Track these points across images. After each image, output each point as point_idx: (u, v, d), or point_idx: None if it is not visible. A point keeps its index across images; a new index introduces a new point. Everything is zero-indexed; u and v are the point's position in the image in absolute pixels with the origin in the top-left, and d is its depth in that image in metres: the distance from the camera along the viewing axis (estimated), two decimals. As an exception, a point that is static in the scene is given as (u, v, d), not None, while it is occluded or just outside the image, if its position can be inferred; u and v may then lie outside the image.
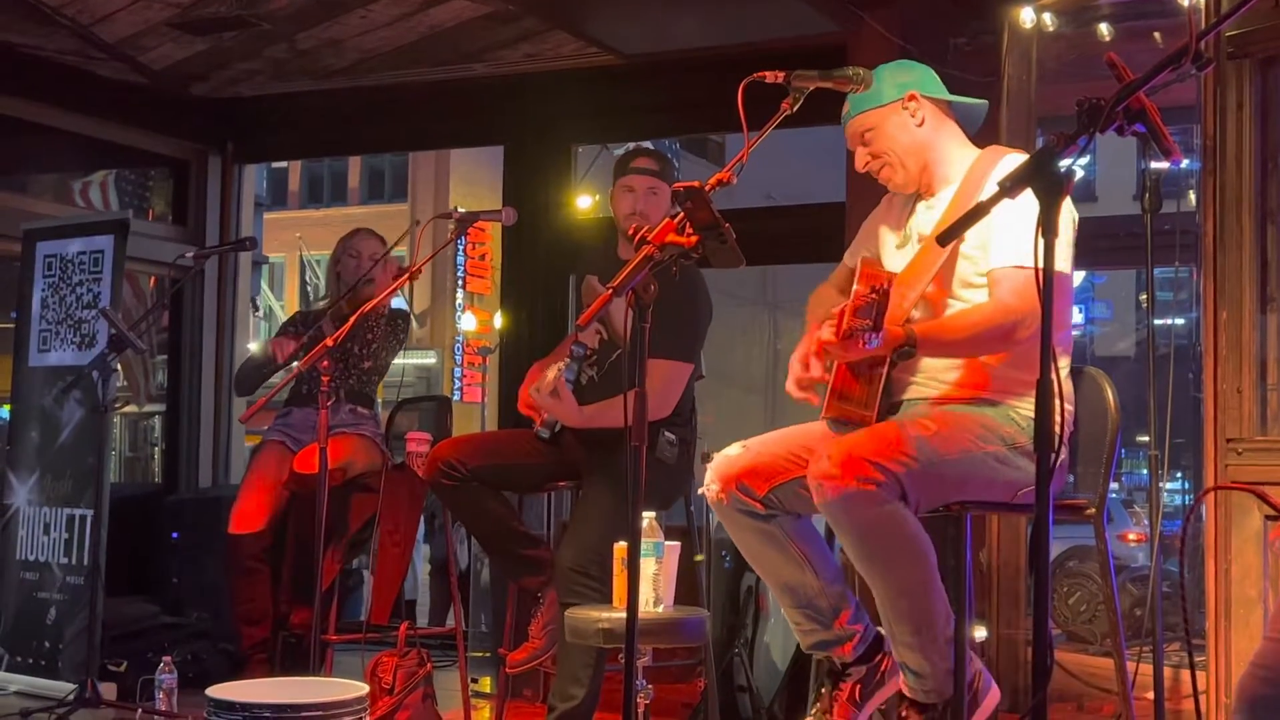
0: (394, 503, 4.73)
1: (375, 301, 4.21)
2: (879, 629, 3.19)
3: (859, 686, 3.15)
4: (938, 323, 3.04)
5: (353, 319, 4.05)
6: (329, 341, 3.91)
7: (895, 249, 3.22)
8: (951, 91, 3.23)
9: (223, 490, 6.46)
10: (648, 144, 6.39)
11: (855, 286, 3.12)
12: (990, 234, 2.98)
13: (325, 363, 3.88)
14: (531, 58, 5.94)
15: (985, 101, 3.31)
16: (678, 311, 3.69)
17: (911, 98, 3.15)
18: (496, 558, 4.37)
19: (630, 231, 3.86)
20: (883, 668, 3.16)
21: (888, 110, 3.14)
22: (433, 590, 9.19)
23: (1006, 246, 2.96)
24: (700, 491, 3.29)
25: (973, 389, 3.04)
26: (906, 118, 3.15)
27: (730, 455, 3.16)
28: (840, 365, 3.04)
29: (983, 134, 3.29)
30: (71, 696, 4.43)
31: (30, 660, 5.03)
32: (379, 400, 5.27)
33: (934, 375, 3.08)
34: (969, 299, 3.05)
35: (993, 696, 3.10)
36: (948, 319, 3.05)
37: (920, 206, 3.20)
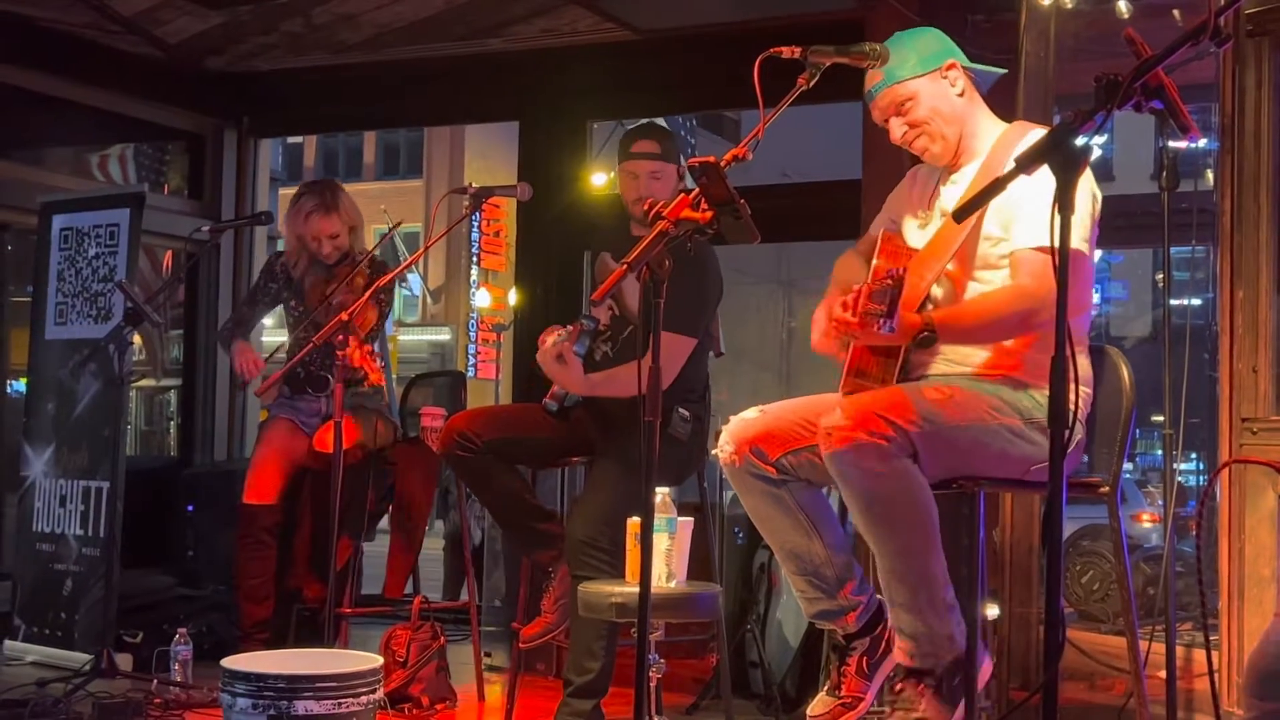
0: (408, 477, 4.74)
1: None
2: (881, 599, 3.20)
3: (865, 658, 3.16)
4: (956, 309, 3.03)
5: (363, 297, 4.04)
6: (344, 315, 3.91)
7: (919, 225, 3.21)
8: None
9: (238, 464, 6.49)
10: (659, 120, 6.36)
11: (875, 261, 3.11)
12: (1014, 215, 2.97)
13: (341, 336, 3.89)
14: (547, 33, 5.93)
15: (1005, 69, 3.29)
16: (685, 286, 3.68)
17: (951, 66, 3.12)
18: (509, 531, 4.38)
19: (646, 207, 3.86)
20: (886, 636, 3.17)
21: (927, 79, 3.11)
22: (446, 564, 9.22)
23: (1029, 228, 2.94)
24: (713, 453, 3.29)
25: (998, 369, 3.03)
26: (946, 86, 3.12)
27: (746, 419, 3.16)
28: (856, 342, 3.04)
29: (1000, 111, 3.27)
30: (87, 667, 4.46)
31: (46, 631, 5.07)
32: (393, 376, 5.26)
33: (958, 355, 3.07)
34: (990, 280, 3.04)
35: (986, 669, 3.10)
36: (966, 305, 3.04)
37: (945, 181, 3.18)
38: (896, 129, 3.16)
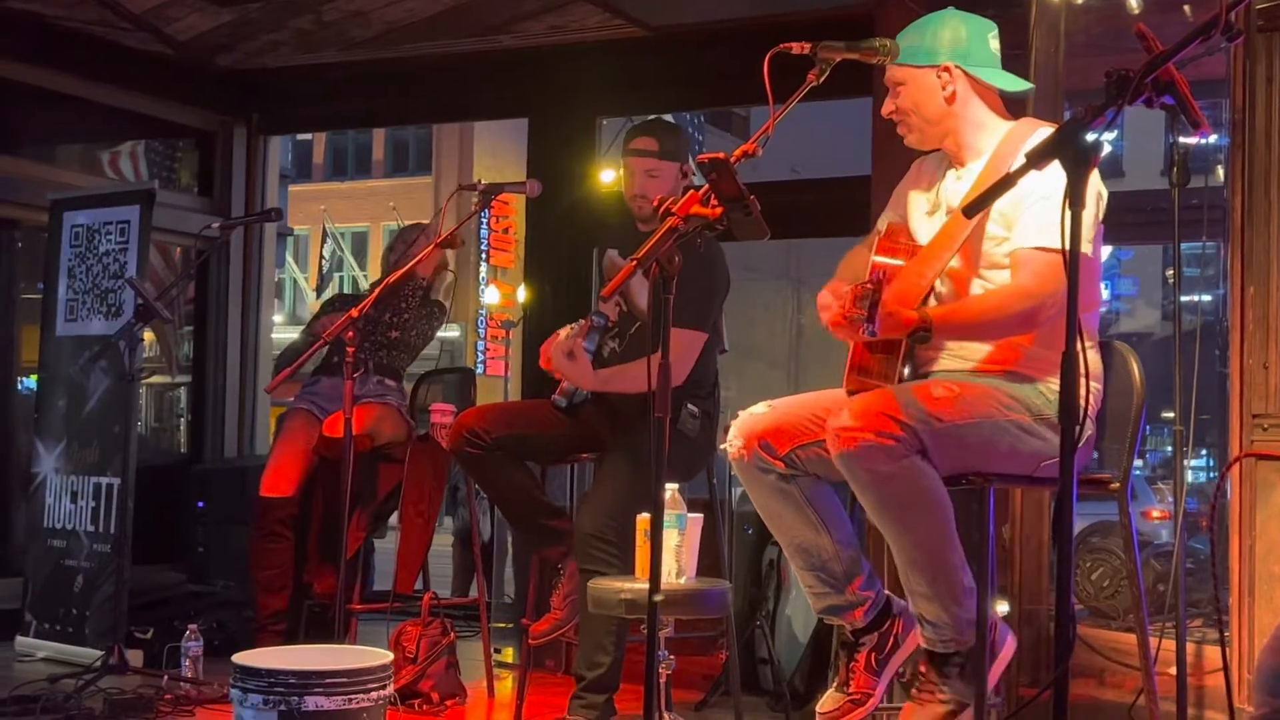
0: (418, 473, 4.75)
1: (404, 271, 4.12)
2: (889, 594, 3.20)
3: (874, 654, 3.16)
4: (956, 306, 3.02)
5: (379, 289, 4.07)
6: (354, 312, 3.92)
7: (925, 216, 3.20)
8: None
9: (248, 460, 6.50)
10: (667, 117, 6.36)
11: (872, 257, 3.11)
12: (1016, 214, 2.96)
13: (350, 333, 3.90)
14: (556, 29, 5.92)
15: (1031, 85, 3.25)
16: (693, 282, 3.68)
17: (946, 69, 3.09)
18: (518, 527, 4.39)
19: (654, 204, 3.86)
20: (894, 632, 3.17)
21: (921, 73, 3.09)
22: (456, 561, 9.23)
23: (1029, 227, 2.93)
24: (722, 448, 3.29)
25: (1003, 364, 3.03)
26: (937, 87, 3.09)
27: (755, 414, 3.16)
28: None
29: (1010, 107, 3.25)
30: (98, 663, 4.48)
31: (58, 627, 5.08)
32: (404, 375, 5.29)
33: (963, 350, 3.07)
34: (994, 278, 3.03)
35: (1009, 647, 3.11)
36: (966, 302, 3.04)
37: (950, 176, 3.16)
38: (887, 104, 3.19)
